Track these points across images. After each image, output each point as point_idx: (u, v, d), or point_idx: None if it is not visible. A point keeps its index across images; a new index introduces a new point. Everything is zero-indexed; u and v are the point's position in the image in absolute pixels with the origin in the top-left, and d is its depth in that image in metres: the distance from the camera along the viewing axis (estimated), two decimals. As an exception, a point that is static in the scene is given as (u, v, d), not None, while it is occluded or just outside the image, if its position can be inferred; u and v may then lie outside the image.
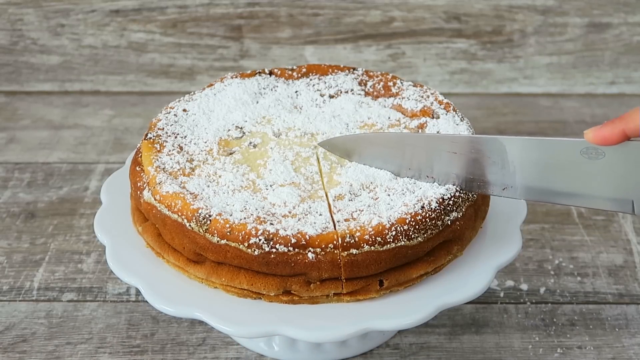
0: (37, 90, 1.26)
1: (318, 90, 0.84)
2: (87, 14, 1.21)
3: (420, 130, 0.78)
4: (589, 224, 0.96)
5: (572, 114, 1.20)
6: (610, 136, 0.59)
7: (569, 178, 0.63)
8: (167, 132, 0.77)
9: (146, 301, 0.70)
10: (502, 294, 0.85)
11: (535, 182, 0.65)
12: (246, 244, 0.65)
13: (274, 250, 0.65)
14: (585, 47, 1.23)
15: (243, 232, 0.65)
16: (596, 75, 1.25)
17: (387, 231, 0.66)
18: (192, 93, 0.83)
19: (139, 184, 0.73)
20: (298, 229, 0.65)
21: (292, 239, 0.65)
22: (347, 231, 0.65)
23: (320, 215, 0.68)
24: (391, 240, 0.66)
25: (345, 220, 0.67)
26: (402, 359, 0.78)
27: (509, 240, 0.73)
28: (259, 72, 0.86)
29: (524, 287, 0.86)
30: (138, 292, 0.84)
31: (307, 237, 0.65)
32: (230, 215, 0.67)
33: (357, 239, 0.65)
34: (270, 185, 0.71)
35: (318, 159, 0.75)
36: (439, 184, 0.69)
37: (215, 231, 0.66)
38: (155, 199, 0.70)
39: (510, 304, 0.84)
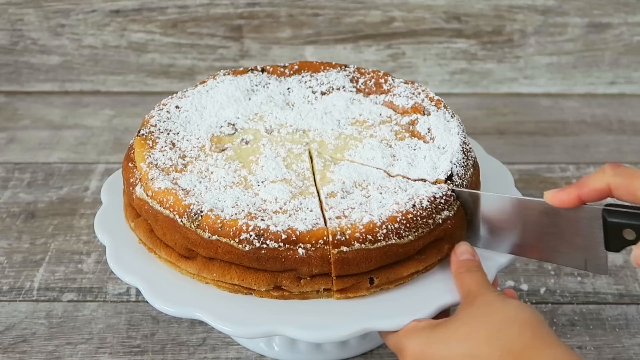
0: (37, 90, 1.26)
1: (310, 87, 0.85)
2: (87, 14, 1.21)
3: (411, 127, 0.78)
4: (589, 224, 0.95)
5: (572, 114, 1.20)
6: (567, 200, 0.63)
7: (533, 234, 0.68)
8: (159, 129, 0.77)
9: (146, 301, 0.70)
10: (502, 294, 0.85)
11: (505, 236, 0.70)
12: (237, 240, 0.65)
13: (264, 246, 0.65)
14: (585, 47, 1.23)
15: (234, 228, 0.65)
16: (596, 75, 1.25)
17: (377, 229, 0.66)
18: (185, 90, 0.84)
19: (131, 180, 0.73)
20: (289, 225, 0.66)
21: (282, 234, 0.65)
22: (338, 229, 0.66)
23: (311, 211, 0.68)
24: (382, 238, 0.66)
25: (337, 217, 0.67)
26: (402, 359, 0.78)
27: (509, 240, 0.73)
28: (251, 69, 0.86)
29: (524, 287, 0.86)
30: (138, 292, 0.84)
31: (298, 232, 0.65)
32: (222, 211, 0.67)
33: (347, 236, 0.65)
34: (262, 182, 0.71)
35: (311, 156, 0.75)
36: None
37: (206, 227, 0.66)
38: (147, 195, 0.70)
39: (511, 304, 0.84)
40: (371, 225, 0.66)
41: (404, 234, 0.67)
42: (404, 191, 0.70)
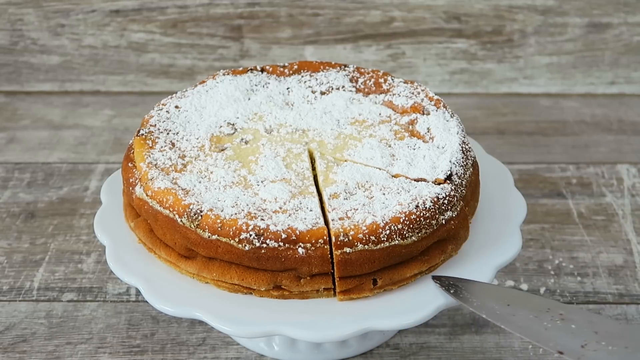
0: (37, 90, 1.26)
1: (309, 87, 0.85)
2: (87, 14, 1.22)
3: (411, 127, 0.78)
4: (589, 224, 0.96)
5: (572, 114, 1.20)
6: None
7: None
8: (159, 129, 0.77)
9: (146, 301, 0.70)
10: (502, 294, 0.85)
11: None
12: (237, 239, 0.65)
13: (264, 245, 0.65)
14: (585, 47, 1.23)
15: (234, 228, 0.65)
16: (596, 75, 1.25)
17: (381, 230, 0.66)
18: (184, 90, 0.84)
19: (131, 180, 0.73)
20: (288, 225, 0.66)
21: (282, 234, 0.65)
22: (341, 230, 0.66)
23: (311, 211, 0.68)
24: (385, 239, 0.66)
25: (340, 218, 0.67)
26: (402, 358, 0.78)
27: (508, 240, 0.73)
28: (251, 69, 0.86)
29: (524, 287, 0.86)
30: (138, 292, 0.84)
31: (297, 232, 0.65)
32: (222, 210, 0.67)
33: (351, 237, 0.65)
34: (262, 181, 0.72)
35: (313, 156, 0.75)
36: None
37: (206, 226, 0.66)
38: (147, 195, 0.70)
39: (510, 304, 0.84)
40: (374, 227, 0.66)
41: (407, 235, 0.67)
42: (407, 192, 0.70)
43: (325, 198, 0.70)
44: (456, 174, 0.71)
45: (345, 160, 0.74)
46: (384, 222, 0.66)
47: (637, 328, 0.62)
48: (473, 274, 0.70)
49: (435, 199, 0.68)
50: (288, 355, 0.77)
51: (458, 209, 0.70)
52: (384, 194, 0.70)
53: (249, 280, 0.67)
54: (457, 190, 0.71)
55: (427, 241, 0.68)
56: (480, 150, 0.86)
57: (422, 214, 0.67)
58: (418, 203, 0.68)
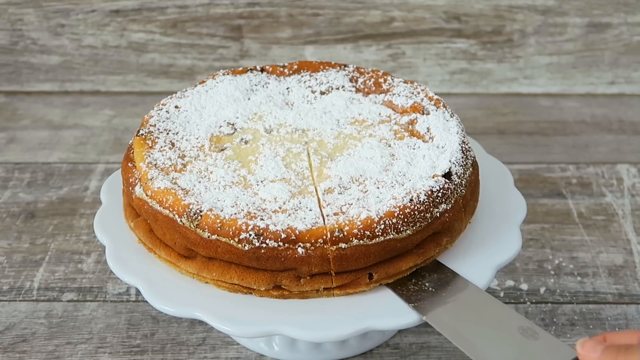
0: (37, 90, 1.26)
1: (309, 86, 0.85)
2: (87, 14, 1.22)
3: (410, 126, 0.79)
4: (589, 224, 0.96)
5: (572, 114, 1.20)
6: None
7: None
8: (159, 129, 0.78)
9: (146, 301, 0.70)
10: (502, 294, 0.85)
11: None
12: (236, 239, 0.65)
13: (264, 245, 0.65)
14: (585, 47, 1.23)
15: (233, 228, 0.65)
16: (596, 75, 1.25)
17: (375, 225, 0.66)
18: (184, 90, 0.84)
19: (130, 180, 0.73)
20: (288, 224, 0.66)
21: (282, 234, 0.65)
22: (336, 225, 0.66)
23: (310, 210, 0.68)
24: (380, 233, 0.66)
25: (335, 214, 0.68)
26: (402, 358, 0.78)
27: (508, 239, 0.73)
28: (251, 69, 0.87)
29: (524, 287, 0.86)
30: (138, 292, 0.84)
31: (297, 232, 0.65)
32: (221, 210, 0.67)
33: (345, 233, 0.65)
34: (261, 181, 0.72)
35: (309, 154, 0.75)
36: None
37: (206, 226, 0.66)
38: (146, 195, 0.70)
39: (510, 304, 0.84)
40: (369, 221, 0.66)
41: (402, 229, 0.67)
42: (401, 185, 0.70)
43: (319, 193, 0.70)
44: (456, 173, 0.71)
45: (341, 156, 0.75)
46: (379, 216, 0.66)
47: (500, 305, 0.66)
48: (473, 273, 0.70)
49: (429, 192, 0.68)
50: (288, 355, 0.77)
51: (452, 201, 0.70)
52: (378, 187, 0.70)
53: (249, 280, 0.67)
54: (456, 187, 0.71)
55: (422, 234, 0.69)
56: (480, 150, 0.86)
57: (416, 208, 0.67)
58: (412, 197, 0.68)
